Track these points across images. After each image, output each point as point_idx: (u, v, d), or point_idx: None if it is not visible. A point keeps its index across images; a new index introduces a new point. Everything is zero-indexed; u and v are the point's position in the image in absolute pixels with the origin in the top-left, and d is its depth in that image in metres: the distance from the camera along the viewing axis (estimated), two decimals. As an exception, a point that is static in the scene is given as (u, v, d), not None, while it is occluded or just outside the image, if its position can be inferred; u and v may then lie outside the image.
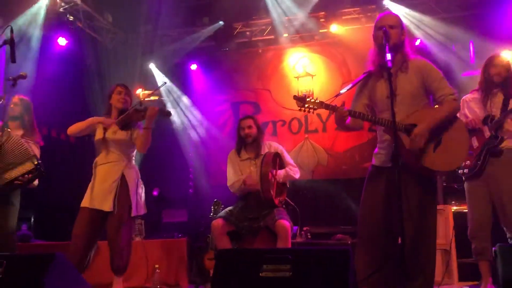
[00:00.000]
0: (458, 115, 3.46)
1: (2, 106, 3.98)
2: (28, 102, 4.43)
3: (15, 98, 4.31)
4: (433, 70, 3.31)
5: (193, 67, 8.15)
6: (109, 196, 4.11)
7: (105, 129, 4.22)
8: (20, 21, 6.00)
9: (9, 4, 6.02)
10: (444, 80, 3.28)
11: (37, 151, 4.33)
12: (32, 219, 6.38)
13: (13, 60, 3.46)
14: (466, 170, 4.05)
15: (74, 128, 4.29)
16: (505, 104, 4.06)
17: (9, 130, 4.05)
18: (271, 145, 4.87)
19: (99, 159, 4.28)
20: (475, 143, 4.06)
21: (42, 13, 6.28)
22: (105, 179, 4.17)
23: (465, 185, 4.18)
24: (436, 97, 3.29)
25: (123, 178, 4.19)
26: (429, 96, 3.35)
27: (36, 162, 4.07)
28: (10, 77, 3.82)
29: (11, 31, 3.47)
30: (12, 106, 4.23)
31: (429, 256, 3.26)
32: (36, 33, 6.18)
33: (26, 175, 4.06)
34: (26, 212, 4.55)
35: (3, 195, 4.13)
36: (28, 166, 4.08)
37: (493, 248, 2.59)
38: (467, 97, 4.25)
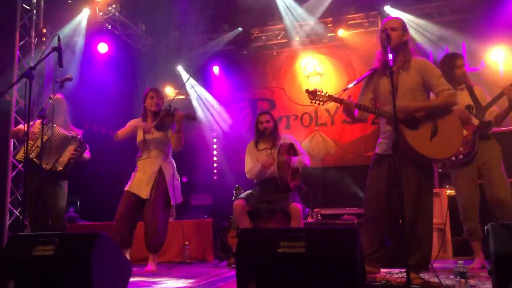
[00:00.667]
0: None
1: (51, 105, 4.04)
2: (63, 101, 4.52)
3: (59, 98, 4.41)
4: (432, 68, 3.28)
5: (215, 69, 8.13)
6: (148, 185, 4.30)
7: (145, 132, 4.41)
8: (66, 30, 6.06)
9: (55, 15, 6.08)
10: (442, 77, 3.25)
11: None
12: (78, 203, 6.45)
13: (60, 65, 3.49)
14: (460, 156, 3.96)
15: (120, 135, 4.44)
16: (472, 94, 4.00)
17: (54, 125, 4.19)
18: (285, 137, 4.88)
19: (141, 154, 4.48)
20: (464, 131, 3.97)
21: (84, 23, 6.33)
22: (145, 171, 4.37)
23: (454, 172, 4.10)
24: (434, 93, 3.26)
25: (160, 171, 4.38)
26: (428, 92, 3.32)
27: (78, 138, 4.35)
28: (58, 80, 3.87)
29: (59, 39, 3.50)
30: (57, 102, 4.32)
31: (427, 234, 3.24)
32: (79, 41, 6.24)
33: (75, 152, 4.30)
34: (73, 196, 4.66)
35: (53, 180, 4.24)
36: (74, 145, 4.33)
37: (486, 227, 2.55)
38: None
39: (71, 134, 4.36)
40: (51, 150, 4.16)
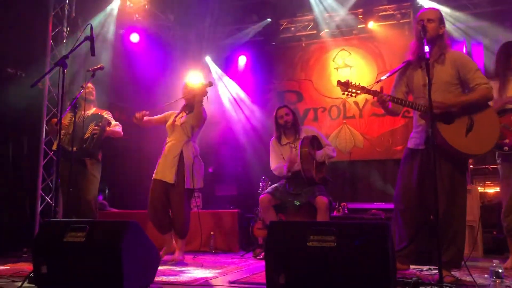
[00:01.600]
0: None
1: (83, 94, 4.09)
2: (93, 90, 4.65)
3: (90, 86, 4.47)
4: (469, 61, 3.18)
5: (242, 60, 8.10)
6: (172, 169, 4.31)
7: (176, 116, 4.52)
8: (97, 20, 6.12)
9: (87, 4, 6.14)
10: (479, 71, 3.15)
11: (108, 116, 4.60)
12: (107, 190, 6.55)
13: (93, 53, 3.53)
14: (506, 148, 3.74)
15: (145, 120, 4.53)
16: None
17: (78, 111, 4.08)
18: (307, 129, 4.82)
19: (168, 139, 4.52)
20: None
21: (114, 13, 6.38)
22: (167, 154, 4.39)
23: (501, 165, 3.92)
24: (470, 87, 3.17)
25: (181, 154, 4.36)
26: (463, 85, 3.22)
27: (97, 114, 4.41)
28: (90, 69, 3.91)
29: (91, 28, 3.52)
30: (88, 90, 4.39)
31: (460, 230, 3.17)
32: (110, 30, 6.29)
33: (95, 127, 4.34)
34: (102, 184, 4.70)
35: (86, 166, 4.36)
36: (94, 120, 4.38)
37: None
38: None
39: (92, 113, 4.40)
40: (78, 134, 4.17)
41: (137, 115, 4.42)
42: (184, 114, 4.52)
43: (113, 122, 4.64)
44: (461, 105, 3.09)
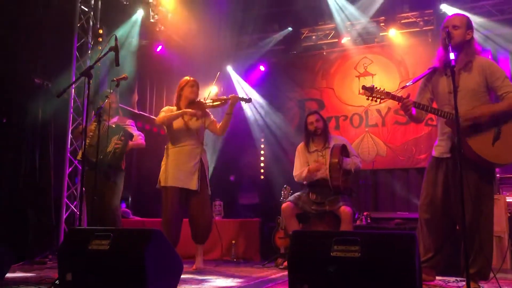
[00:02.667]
0: None
1: (108, 103, 4.15)
2: (117, 99, 4.71)
3: (113, 97, 4.52)
4: (497, 69, 3.12)
5: (262, 68, 8.12)
6: (194, 176, 4.17)
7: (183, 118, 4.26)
8: (121, 30, 6.23)
9: (111, 15, 6.26)
10: (507, 79, 3.08)
11: (130, 127, 4.64)
12: (130, 199, 6.61)
13: (117, 64, 3.57)
14: None
15: (167, 119, 4.27)
16: None
17: (102, 120, 4.02)
18: (337, 138, 4.80)
19: (177, 142, 4.27)
20: None
21: (138, 24, 6.48)
22: (184, 160, 4.20)
23: None
24: (498, 95, 3.10)
25: (201, 162, 4.28)
26: (490, 93, 3.16)
27: (120, 127, 4.42)
28: (115, 78, 3.97)
29: (116, 39, 3.58)
30: (112, 100, 4.43)
31: (488, 241, 3.09)
32: (134, 41, 6.39)
33: (118, 141, 4.37)
34: (125, 192, 4.75)
35: (114, 169, 4.38)
36: (117, 134, 4.41)
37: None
38: None
39: (115, 124, 4.45)
40: (101, 145, 4.20)
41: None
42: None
43: (135, 133, 4.69)
44: (489, 115, 3.03)
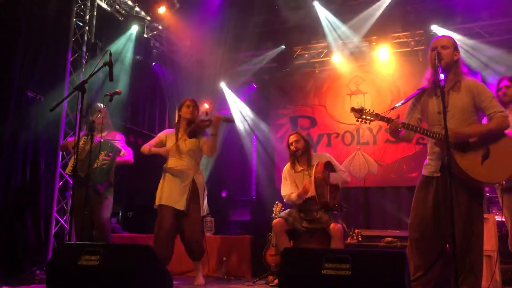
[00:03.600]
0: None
1: (100, 118, 4.14)
2: (107, 114, 4.62)
3: (105, 112, 4.48)
4: (484, 89, 3.17)
5: (256, 86, 8.20)
6: (183, 196, 4.22)
7: (176, 139, 4.33)
8: (115, 45, 6.26)
9: (106, 30, 6.30)
10: (494, 99, 3.13)
11: (118, 144, 4.56)
12: (120, 214, 6.57)
13: (111, 79, 3.57)
14: None
15: (146, 151, 4.37)
16: None
17: (93, 135, 4.08)
18: (321, 155, 4.74)
19: (170, 163, 4.34)
20: None
21: (132, 39, 6.52)
22: (176, 180, 4.26)
23: (507, 195, 3.89)
24: (486, 115, 3.14)
25: (193, 182, 4.30)
26: (479, 113, 3.20)
27: (109, 144, 4.33)
28: (108, 93, 3.97)
29: (110, 54, 3.59)
30: (103, 115, 4.40)
31: (478, 259, 3.10)
32: (128, 56, 6.42)
33: (106, 158, 4.30)
34: (115, 207, 4.71)
35: (101, 186, 4.32)
36: (105, 150, 4.32)
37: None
38: None
39: (104, 139, 4.37)
40: (90, 159, 4.16)
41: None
42: (186, 137, 4.35)
43: (124, 150, 4.62)
44: (479, 135, 3.07)
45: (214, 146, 4.27)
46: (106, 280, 2.55)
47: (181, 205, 4.20)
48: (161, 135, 4.51)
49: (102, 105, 4.26)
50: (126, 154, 4.63)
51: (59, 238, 5.52)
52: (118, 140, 4.67)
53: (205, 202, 4.42)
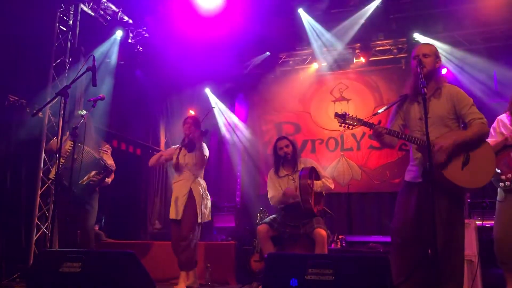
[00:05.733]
0: (493, 133, 3.34)
1: (83, 124, 4.09)
2: (91, 119, 4.56)
3: (89, 121, 4.44)
4: (464, 96, 3.22)
5: (241, 92, 8.22)
6: (181, 207, 4.55)
7: (178, 155, 4.65)
8: (99, 51, 6.22)
9: (90, 36, 6.25)
10: (474, 106, 3.18)
11: (106, 157, 4.52)
12: (103, 220, 6.50)
13: (94, 84, 3.55)
14: (508, 183, 3.77)
15: (151, 162, 4.87)
16: None
17: (82, 145, 4.10)
18: (306, 160, 4.77)
19: (175, 178, 4.74)
20: None
21: (117, 44, 6.49)
22: (178, 193, 4.61)
23: (499, 202, 3.94)
24: (465, 121, 3.19)
25: (190, 192, 4.57)
26: (459, 120, 3.25)
27: (102, 164, 4.28)
28: (91, 99, 3.94)
29: (93, 59, 3.57)
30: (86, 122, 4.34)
31: (459, 265, 3.13)
32: (112, 61, 6.39)
33: (96, 177, 4.26)
34: (98, 214, 4.66)
35: (84, 199, 4.27)
36: (96, 169, 4.28)
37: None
38: (502, 117, 4.04)
39: (99, 157, 4.32)
40: (77, 169, 4.02)
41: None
42: (185, 152, 4.67)
43: (110, 162, 4.55)
44: (459, 145, 3.10)
45: (198, 158, 4.57)
46: (88, 287, 2.52)
47: (179, 215, 4.52)
48: (172, 148, 4.91)
49: (84, 112, 4.22)
50: (111, 167, 4.56)
51: (41, 245, 5.42)
52: (106, 151, 4.61)
53: (206, 209, 4.66)
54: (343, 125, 3.27)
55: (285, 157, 4.60)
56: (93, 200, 4.41)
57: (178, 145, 4.78)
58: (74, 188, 4.08)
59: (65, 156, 4.17)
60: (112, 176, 4.58)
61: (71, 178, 3.59)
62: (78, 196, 4.18)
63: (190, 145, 4.60)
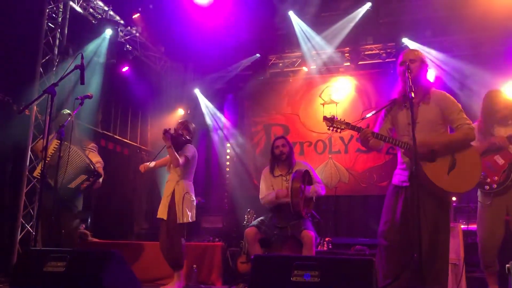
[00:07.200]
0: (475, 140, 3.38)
1: (71, 122, 4.05)
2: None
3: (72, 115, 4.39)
4: (452, 102, 3.26)
5: (230, 93, 8.22)
6: (165, 208, 4.62)
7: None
8: (88, 49, 6.17)
9: (79, 34, 6.20)
10: (462, 112, 3.22)
11: (93, 155, 4.47)
12: (89, 220, 6.43)
13: (82, 82, 3.53)
14: (494, 186, 3.84)
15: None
16: None
17: (67, 143, 4.02)
18: (300, 163, 4.82)
19: (167, 177, 4.83)
20: (500, 160, 3.89)
21: (106, 42, 6.43)
22: (164, 194, 4.73)
23: (481, 203, 3.99)
24: (453, 127, 3.23)
25: (173, 192, 4.64)
26: (447, 125, 3.28)
27: (91, 169, 4.22)
28: (78, 97, 3.90)
29: (82, 57, 3.54)
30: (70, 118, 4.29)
31: (443, 268, 3.16)
32: (101, 59, 6.33)
33: (86, 182, 4.22)
34: (84, 213, 4.63)
35: (71, 201, 4.24)
36: (86, 174, 4.23)
37: (507, 265, 2.47)
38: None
39: (88, 161, 4.26)
40: (64, 170, 4.02)
41: (142, 169, 4.80)
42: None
43: (97, 159, 4.51)
44: (443, 144, 3.14)
45: (171, 158, 4.58)
46: (72, 286, 2.50)
47: (164, 215, 4.60)
48: (167, 157, 4.86)
49: (68, 111, 4.18)
50: (97, 164, 4.52)
51: (25, 245, 5.35)
52: (91, 149, 4.57)
53: (190, 210, 4.64)
54: (331, 128, 3.29)
55: (280, 156, 4.62)
56: (77, 201, 4.37)
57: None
58: (63, 191, 4.06)
59: (51, 154, 4.12)
60: (102, 171, 4.54)
61: (56, 176, 3.55)
62: (66, 199, 4.15)
63: (177, 137, 4.62)
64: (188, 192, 4.67)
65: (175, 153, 4.53)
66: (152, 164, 4.78)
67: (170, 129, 4.54)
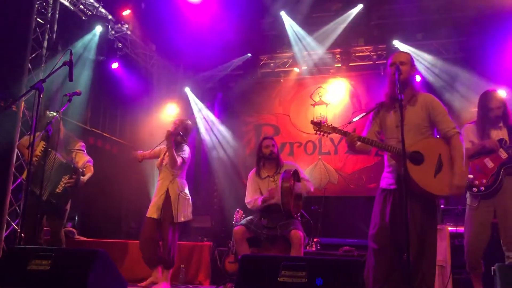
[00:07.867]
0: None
1: (58, 122, 4.01)
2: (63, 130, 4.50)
3: (61, 126, 4.35)
4: (439, 105, 3.27)
5: (221, 92, 8.21)
6: (158, 207, 4.62)
7: (164, 154, 4.75)
8: (78, 45, 6.11)
9: (69, 30, 6.14)
10: (448, 115, 3.24)
11: (80, 156, 4.47)
12: (76, 218, 6.37)
13: (70, 79, 3.49)
14: (482, 188, 3.86)
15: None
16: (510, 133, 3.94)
17: (50, 150, 4.05)
18: (288, 164, 4.81)
19: (158, 177, 4.81)
20: (489, 164, 3.91)
21: (96, 39, 6.38)
22: (157, 193, 4.71)
23: (469, 205, 4.02)
24: (439, 129, 3.25)
25: (167, 192, 4.63)
26: (433, 127, 3.30)
27: (71, 166, 4.24)
28: (67, 94, 3.86)
29: (71, 53, 3.50)
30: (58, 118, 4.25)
31: (431, 270, 3.17)
32: (90, 56, 6.28)
33: (69, 180, 4.21)
34: (71, 211, 4.58)
35: (60, 205, 4.21)
36: (68, 173, 4.22)
37: (492, 267, 2.48)
38: (470, 125, 4.10)
39: (65, 161, 4.24)
40: (47, 178, 4.00)
41: (139, 157, 4.82)
42: (165, 150, 4.70)
43: (86, 157, 4.49)
44: (463, 174, 3.13)
45: (170, 159, 4.56)
46: (57, 285, 2.46)
47: (156, 214, 4.60)
48: (160, 147, 4.88)
49: (53, 114, 4.14)
50: (87, 164, 4.49)
51: (10, 243, 5.28)
52: (79, 149, 4.52)
53: (186, 209, 4.69)
54: (318, 132, 3.29)
55: (269, 155, 4.60)
56: (64, 201, 4.31)
57: (162, 145, 4.78)
58: (52, 198, 4.12)
59: (36, 159, 4.06)
60: (92, 169, 4.51)
61: (41, 189, 3.56)
62: (55, 203, 4.13)
63: (174, 136, 4.60)
64: (183, 191, 4.70)
65: (175, 154, 4.54)
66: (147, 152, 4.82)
67: (173, 130, 4.58)
